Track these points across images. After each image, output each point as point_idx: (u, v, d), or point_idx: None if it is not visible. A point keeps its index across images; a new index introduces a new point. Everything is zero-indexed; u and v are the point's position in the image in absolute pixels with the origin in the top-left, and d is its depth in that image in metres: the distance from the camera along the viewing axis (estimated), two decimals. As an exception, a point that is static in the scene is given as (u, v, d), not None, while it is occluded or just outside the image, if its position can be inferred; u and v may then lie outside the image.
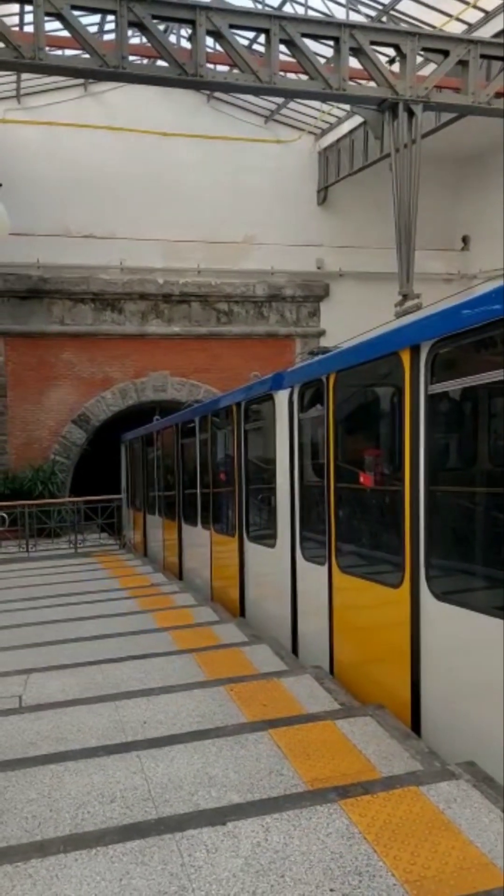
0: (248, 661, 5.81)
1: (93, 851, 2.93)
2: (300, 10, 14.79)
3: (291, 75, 11.95)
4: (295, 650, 6.30)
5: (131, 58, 10.91)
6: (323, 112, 17.76)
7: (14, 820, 3.32)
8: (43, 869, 2.82)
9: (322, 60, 11.74)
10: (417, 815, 3.14)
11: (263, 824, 3.10)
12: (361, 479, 5.39)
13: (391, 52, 11.90)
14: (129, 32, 10.84)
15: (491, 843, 2.93)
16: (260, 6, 14.74)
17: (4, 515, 15.44)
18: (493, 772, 3.48)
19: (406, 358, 4.37)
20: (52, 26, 11.15)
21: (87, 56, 10.65)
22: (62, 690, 5.28)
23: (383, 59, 11.93)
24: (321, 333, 18.72)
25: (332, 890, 2.67)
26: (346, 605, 5.38)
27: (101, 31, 15.29)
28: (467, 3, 13.44)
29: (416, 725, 4.31)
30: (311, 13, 14.22)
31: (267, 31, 11.03)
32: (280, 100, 17.27)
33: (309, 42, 11.31)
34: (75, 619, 7.98)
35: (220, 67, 11.76)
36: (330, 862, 2.84)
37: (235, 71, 11.19)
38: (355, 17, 13.99)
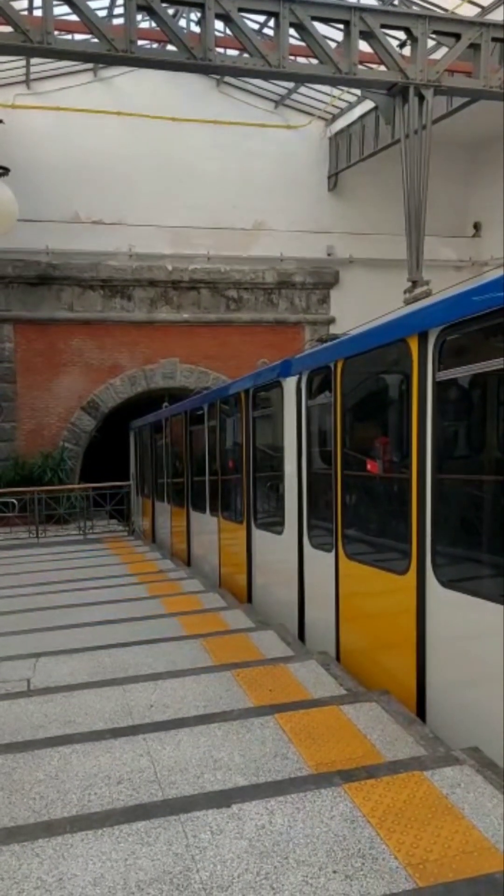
0: (255, 646, 5.84)
1: (99, 832, 2.97)
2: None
3: (301, 59, 11.83)
4: (301, 636, 6.33)
5: (140, 42, 10.81)
6: (333, 97, 17.60)
7: (22, 800, 3.36)
8: (49, 848, 2.87)
9: (332, 44, 11.61)
10: (421, 799, 3.17)
11: (268, 807, 3.13)
12: (369, 467, 5.39)
13: (402, 35, 11.76)
14: (138, 16, 10.75)
15: (494, 827, 2.95)
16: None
17: (14, 501, 15.53)
18: (497, 757, 3.49)
19: (414, 345, 4.36)
20: (61, 10, 11.08)
21: (95, 40, 10.58)
22: (70, 674, 5.33)
23: (394, 43, 11.80)
24: (331, 321, 18.64)
25: (335, 872, 2.70)
26: (352, 592, 5.40)
27: (111, 16, 15.20)
28: (480, -14, 13.26)
29: (421, 711, 4.33)
30: (321, -4, 14.03)
31: (276, 15, 10.90)
32: (290, 85, 17.12)
33: (319, 25, 11.17)
34: (84, 605, 8.04)
35: (230, 51, 11.67)
36: (333, 844, 2.87)
37: (245, 55, 11.09)
38: (366, 0, 13.81)
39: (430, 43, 11.91)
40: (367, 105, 15.97)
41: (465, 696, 4.01)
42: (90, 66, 16.67)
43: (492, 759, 3.46)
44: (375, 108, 14.41)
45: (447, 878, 2.64)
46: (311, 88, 17.21)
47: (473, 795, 3.18)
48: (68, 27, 11.06)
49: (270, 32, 12.01)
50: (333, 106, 18.04)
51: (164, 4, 10.58)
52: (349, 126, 17.75)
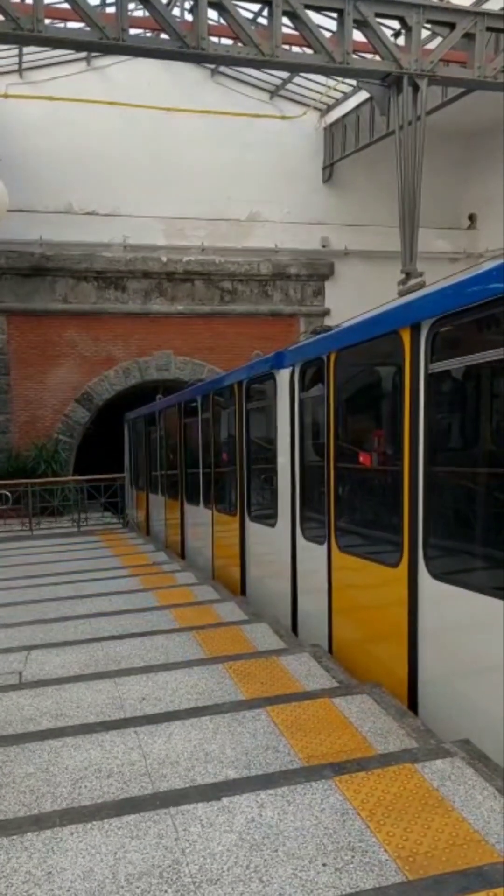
0: (248, 639, 5.83)
1: (88, 825, 2.96)
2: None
3: (296, 49, 11.76)
4: (294, 629, 6.32)
5: (132, 30, 10.74)
6: (329, 87, 17.51)
7: (12, 794, 3.35)
8: (39, 842, 2.86)
9: (327, 34, 11.54)
10: (411, 791, 3.16)
11: (258, 800, 3.12)
12: (361, 459, 5.38)
13: (396, 24, 11.70)
14: (131, 5, 10.68)
15: (484, 819, 2.95)
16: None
17: (8, 494, 15.49)
18: (487, 749, 3.49)
19: (406, 336, 4.34)
20: (53, -2, 11.01)
21: (87, 29, 10.50)
22: (63, 667, 5.32)
23: (388, 32, 11.73)
24: (326, 312, 18.61)
25: (324, 865, 2.70)
26: (345, 584, 5.39)
27: (103, 4, 15.07)
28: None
29: (413, 703, 4.33)
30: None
31: (270, 3, 10.84)
32: (285, 75, 17.03)
33: (312, 14, 11.12)
34: (77, 597, 8.03)
35: (224, 40, 11.59)
36: (323, 837, 2.86)
37: (238, 44, 11.02)
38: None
39: (425, 32, 11.84)
40: (363, 95, 15.91)
41: (456, 688, 4.00)
42: (83, 54, 16.57)
43: (482, 752, 3.46)
44: (370, 98, 14.36)
45: (437, 871, 2.64)
46: (305, 78, 17.12)
47: (464, 788, 3.17)
48: (60, 15, 10.98)
49: (264, 21, 11.92)
50: (328, 96, 17.96)
51: (156, -8, 10.50)
52: (344, 117, 17.68)
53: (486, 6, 12.65)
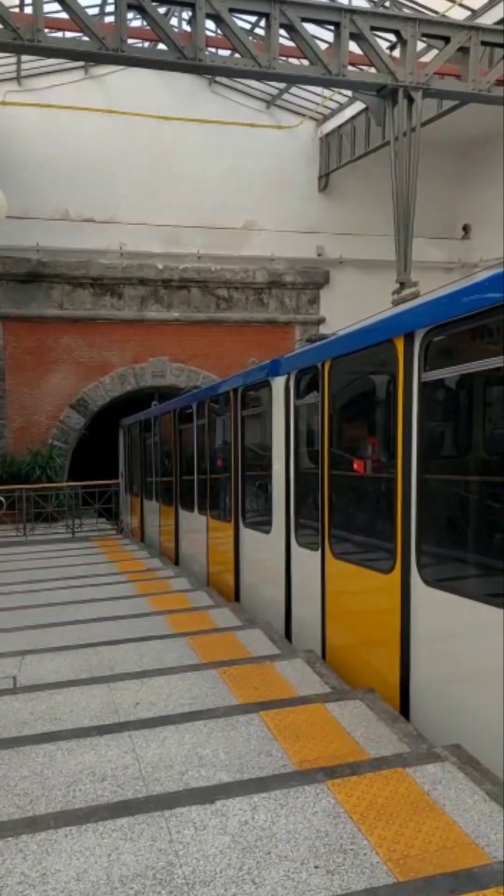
0: (242, 644, 5.86)
1: (83, 827, 2.98)
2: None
3: (293, 60, 11.86)
4: (288, 635, 6.36)
5: (131, 41, 10.84)
6: (325, 98, 17.66)
7: (6, 797, 3.37)
8: (33, 844, 2.88)
9: (323, 45, 11.65)
10: (403, 795, 3.20)
11: (251, 803, 3.15)
12: (355, 467, 5.42)
13: (392, 37, 11.82)
14: (129, 15, 10.76)
15: (474, 823, 2.98)
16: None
17: (2, 499, 15.47)
18: (478, 754, 3.53)
19: (400, 345, 4.39)
20: (52, 8, 11.06)
21: (86, 39, 10.58)
22: (57, 672, 5.33)
23: (384, 45, 11.85)
24: (321, 321, 18.70)
25: (316, 867, 2.73)
26: (338, 591, 5.43)
27: (102, 14, 15.19)
28: (470, -11, 13.34)
29: (405, 709, 4.37)
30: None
31: (267, 15, 10.95)
32: (282, 85, 17.17)
33: (309, 27, 11.23)
34: (72, 603, 8.04)
35: (222, 51, 11.69)
36: (315, 840, 2.89)
37: (235, 55, 11.12)
38: (357, 2, 13.87)
39: (420, 45, 11.97)
40: (358, 106, 16.04)
41: (448, 693, 4.04)
42: (81, 63, 16.66)
43: (472, 756, 3.50)
44: (366, 109, 14.48)
45: (427, 873, 2.67)
46: (302, 89, 17.26)
47: (454, 792, 3.21)
48: (59, 25, 11.05)
49: (262, 32, 12.03)
50: (324, 106, 18.10)
51: (154, 3, 10.62)
52: (340, 127, 17.82)
53: (480, 20, 12.81)
